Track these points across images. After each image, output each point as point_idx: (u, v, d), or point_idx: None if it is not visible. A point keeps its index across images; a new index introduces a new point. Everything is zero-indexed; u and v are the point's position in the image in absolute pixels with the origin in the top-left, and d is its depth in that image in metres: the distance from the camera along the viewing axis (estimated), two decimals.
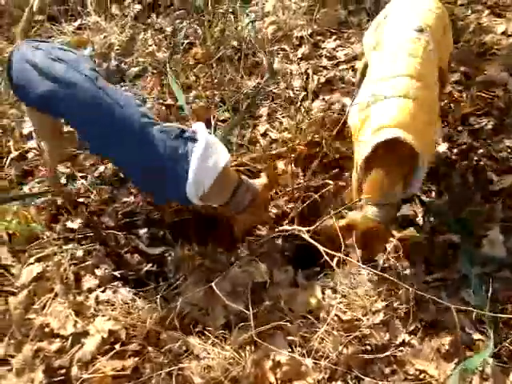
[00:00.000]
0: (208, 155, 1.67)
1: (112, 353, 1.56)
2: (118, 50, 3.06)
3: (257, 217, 1.88)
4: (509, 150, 2.16)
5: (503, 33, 2.79)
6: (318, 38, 3.02)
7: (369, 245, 1.65)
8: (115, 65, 2.94)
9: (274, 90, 2.66)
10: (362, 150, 1.68)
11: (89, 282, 1.79)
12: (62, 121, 1.88)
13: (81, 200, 2.13)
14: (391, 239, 1.65)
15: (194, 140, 1.70)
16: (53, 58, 1.69)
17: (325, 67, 2.79)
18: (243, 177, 1.81)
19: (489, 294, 1.55)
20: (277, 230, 1.88)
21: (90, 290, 1.77)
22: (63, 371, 1.53)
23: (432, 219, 1.98)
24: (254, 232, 1.99)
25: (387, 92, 1.70)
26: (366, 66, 2.03)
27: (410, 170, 1.67)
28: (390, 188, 1.62)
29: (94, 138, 1.76)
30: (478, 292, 1.66)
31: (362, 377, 1.48)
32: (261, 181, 1.84)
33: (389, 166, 1.63)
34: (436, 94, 1.83)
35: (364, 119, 1.75)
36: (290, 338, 1.58)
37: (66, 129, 2.15)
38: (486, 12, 2.96)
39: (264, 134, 2.42)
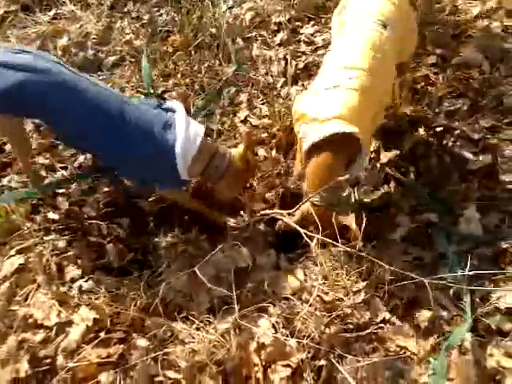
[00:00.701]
0: (189, 124, 1.75)
1: (97, 341, 1.56)
2: (94, 39, 3.03)
3: (235, 186, 1.92)
4: (484, 131, 2.20)
5: (478, 14, 2.82)
6: (296, 23, 3.02)
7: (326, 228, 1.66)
8: (92, 54, 2.91)
9: (254, 76, 2.66)
10: (306, 140, 1.71)
11: (71, 272, 1.79)
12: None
13: (61, 191, 2.11)
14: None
15: (172, 110, 1.77)
16: (15, 51, 1.68)
17: (303, 53, 2.80)
18: (219, 145, 1.87)
19: (466, 271, 1.60)
20: (258, 214, 1.89)
21: (73, 280, 1.76)
22: (48, 361, 1.52)
23: (411, 199, 2.01)
24: (236, 211, 2.00)
25: (339, 83, 1.72)
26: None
27: (350, 157, 1.71)
28: (331, 177, 1.63)
29: (72, 124, 1.74)
30: (456, 269, 1.70)
31: (345, 355, 1.51)
32: (238, 149, 1.86)
33: (330, 155, 1.67)
34: (387, 89, 1.88)
35: (308, 106, 1.76)
36: (273, 319, 1.60)
37: None
38: None
39: (244, 121, 2.43)
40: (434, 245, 1.84)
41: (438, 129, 2.24)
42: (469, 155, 2.11)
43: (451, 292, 1.65)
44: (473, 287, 1.60)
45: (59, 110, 1.71)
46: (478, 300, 1.63)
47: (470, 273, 1.63)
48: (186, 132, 1.73)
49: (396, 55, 1.90)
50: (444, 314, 1.61)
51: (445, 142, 2.19)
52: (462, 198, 1.97)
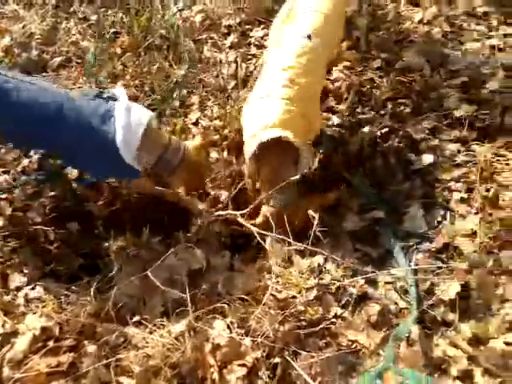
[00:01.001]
0: (131, 111, 1.67)
1: (45, 350, 1.50)
2: (38, 39, 2.93)
3: (189, 181, 1.88)
4: (426, 132, 2.31)
5: (420, 21, 2.96)
6: (247, 26, 3.06)
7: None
8: (36, 54, 2.81)
9: (205, 79, 2.66)
10: (248, 148, 1.86)
11: (17, 280, 1.72)
12: None
13: (3, 196, 2.02)
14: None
15: (113, 99, 1.70)
16: None
17: (254, 55, 2.84)
18: (173, 138, 1.83)
19: (411, 265, 1.67)
20: (211, 215, 1.89)
21: (19, 288, 1.69)
22: None
23: (359, 199, 2.08)
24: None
25: (270, 93, 1.88)
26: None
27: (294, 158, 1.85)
28: (280, 179, 1.76)
29: (11, 128, 1.67)
30: (402, 263, 1.77)
31: (299, 351, 1.54)
32: (193, 142, 1.84)
33: (274, 160, 1.83)
34: (316, 95, 2.07)
35: (247, 121, 1.94)
36: (228, 320, 1.60)
37: None
38: (404, 1, 3.12)
39: (196, 123, 2.42)
40: (381, 242, 1.91)
41: (384, 130, 2.33)
42: (412, 155, 2.21)
43: (398, 286, 1.71)
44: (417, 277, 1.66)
45: None
46: (423, 293, 1.70)
47: (416, 267, 1.72)
48: (126, 122, 1.64)
49: (324, 61, 2.11)
50: (392, 307, 1.67)
51: (390, 142, 2.28)
52: (406, 196, 2.06)
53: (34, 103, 1.64)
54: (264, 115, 1.85)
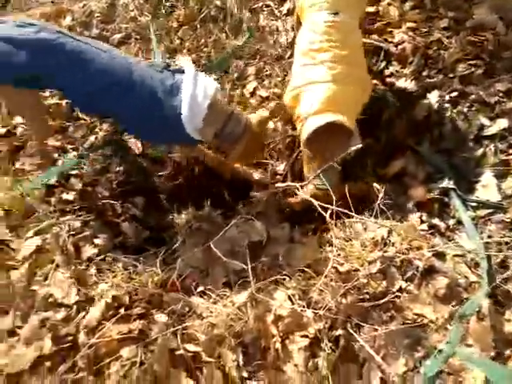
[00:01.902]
0: (197, 84, 1.72)
1: (117, 317, 1.58)
2: (98, 17, 2.99)
3: (249, 153, 1.90)
4: (500, 94, 2.14)
5: None
6: None
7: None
8: (97, 33, 2.88)
9: (261, 48, 2.61)
10: (302, 133, 1.89)
11: (88, 251, 1.81)
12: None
13: (73, 172, 2.12)
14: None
15: (180, 72, 1.75)
16: (20, 24, 1.68)
17: None
18: (236, 109, 1.85)
19: (483, 237, 1.58)
20: (270, 188, 1.88)
21: (90, 259, 1.79)
22: (70, 338, 1.55)
23: (426, 168, 1.98)
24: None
25: (313, 77, 1.91)
26: (299, 23, 2.20)
27: (345, 139, 1.86)
28: (325, 162, 1.79)
29: (83, 91, 1.74)
30: (473, 236, 1.68)
31: (362, 324, 1.52)
32: (256, 116, 1.85)
33: (325, 143, 1.85)
34: (362, 67, 2.03)
35: (295, 98, 1.95)
36: (289, 292, 1.61)
37: (52, 101, 2.14)
38: None
39: (253, 93, 2.40)
40: (450, 212, 1.81)
41: (453, 94, 2.18)
42: (485, 120, 2.06)
43: (469, 258, 1.63)
44: (489, 253, 1.58)
45: (68, 80, 1.72)
46: (496, 267, 1.61)
47: (488, 239, 1.62)
48: (192, 95, 1.69)
49: (357, 28, 2.08)
50: (462, 281, 1.59)
51: (459, 107, 2.14)
52: (478, 164, 1.94)
53: (107, 70, 1.71)
54: (309, 99, 1.87)
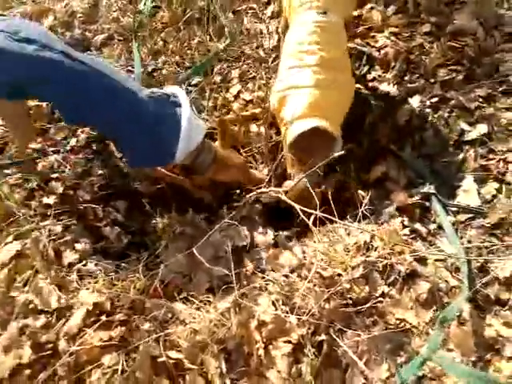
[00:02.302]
0: (194, 117, 1.81)
1: (98, 324, 1.56)
2: (81, 17, 2.95)
3: (226, 174, 1.98)
4: (480, 100, 2.18)
5: None
6: None
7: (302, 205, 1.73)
8: (79, 33, 2.84)
9: (245, 51, 2.61)
10: (286, 137, 1.92)
11: (69, 256, 1.78)
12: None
13: (54, 176, 2.09)
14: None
15: (178, 104, 1.80)
16: (19, 38, 1.59)
17: None
18: (207, 140, 1.90)
19: (463, 242, 1.60)
20: (253, 192, 1.88)
21: (71, 265, 1.76)
22: (50, 346, 1.52)
23: (407, 172, 2.00)
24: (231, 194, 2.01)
25: (297, 82, 1.92)
26: (286, 27, 2.21)
27: (328, 144, 1.88)
28: (311, 163, 1.77)
29: (79, 108, 1.72)
30: (453, 240, 1.70)
31: (345, 329, 1.53)
32: (217, 142, 1.94)
33: (309, 147, 1.87)
34: (347, 71, 2.05)
35: (280, 102, 1.97)
36: (273, 297, 1.61)
37: (33, 103, 2.10)
38: None
39: (237, 96, 2.39)
40: (431, 217, 1.84)
41: (434, 99, 2.21)
42: (465, 125, 2.09)
43: (450, 263, 1.65)
44: (470, 257, 1.60)
45: (65, 100, 1.70)
46: (476, 271, 1.64)
47: (468, 244, 1.64)
48: (188, 131, 1.77)
49: (343, 29, 2.08)
50: (443, 285, 1.61)
51: (440, 112, 2.17)
52: (459, 169, 1.97)
53: (105, 99, 1.71)
54: (294, 104, 1.89)
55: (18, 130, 1.95)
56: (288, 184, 1.89)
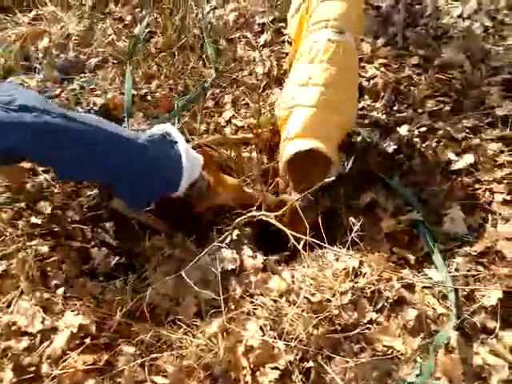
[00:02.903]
0: (190, 150, 1.90)
1: (82, 347, 1.53)
2: (76, 40, 2.98)
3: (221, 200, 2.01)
4: (467, 131, 2.23)
5: (459, 15, 2.86)
6: (280, 24, 3.02)
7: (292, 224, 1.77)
8: (74, 55, 2.87)
9: (238, 78, 2.65)
10: (283, 153, 1.93)
11: (55, 277, 1.76)
12: None
13: (44, 195, 2.08)
14: None
15: (175, 142, 1.88)
16: (13, 108, 1.62)
17: (287, 53, 2.80)
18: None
19: (450, 270, 1.61)
20: (244, 216, 1.88)
21: (57, 286, 1.73)
22: (33, 369, 1.49)
23: (396, 200, 2.02)
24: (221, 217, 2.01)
25: (302, 101, 1.92)
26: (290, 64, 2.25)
27: (324, 166, 1.89)
28: (309, 183, 1.74)
29: (81, 164, 1.77)
30: (440, 268, 1.72)
31: (333, 355, 1.52)
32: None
33: (305, 166, 1.87)
34: (352, 94, 2.04)
35: (285, 119, 1.99)
36: (261, 322, 1.59)
37: None
38: None
39: (229, 122, 2.42)
40: (419, 245, 1.86)
41: (422, 129, 2.26)
42: (452, 155, 2.14)
43: (436, 291, 1.66)
44: (458, 287, 1.61)
45: (67, 159, 1.73)
46: (463, 299, 1.65)
47: (455, 272, 1.66)
48: (188, 166, 1.85)
49: (355, 50, 2.07)
50: (430, 313, 1.62)
51: (428, 142, 2.22)
52: (446, 198, 2.00)
53: (111, 150, 1.78)
54: (295, 121, 1.90)
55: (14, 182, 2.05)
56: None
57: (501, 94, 2.36)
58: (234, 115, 2.46)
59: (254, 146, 2.21)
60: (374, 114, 2.41)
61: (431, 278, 1.70)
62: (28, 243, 1.84)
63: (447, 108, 2.35)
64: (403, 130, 2.27)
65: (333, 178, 1.60)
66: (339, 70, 1.95)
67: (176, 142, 1.88)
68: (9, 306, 1.65)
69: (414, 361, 1.52)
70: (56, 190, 2.09)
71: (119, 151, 1.79)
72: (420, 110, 2.37)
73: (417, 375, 1.43)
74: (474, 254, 1.78)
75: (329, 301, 1.64)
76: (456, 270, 1.70)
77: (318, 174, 1.83)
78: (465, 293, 1.65)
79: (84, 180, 2.08)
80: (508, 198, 1.94)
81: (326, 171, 1.87)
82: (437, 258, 1.76)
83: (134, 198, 1.90)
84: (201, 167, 1.92)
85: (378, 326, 1.61)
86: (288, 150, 1.89)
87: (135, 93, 2.56)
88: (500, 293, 1.60)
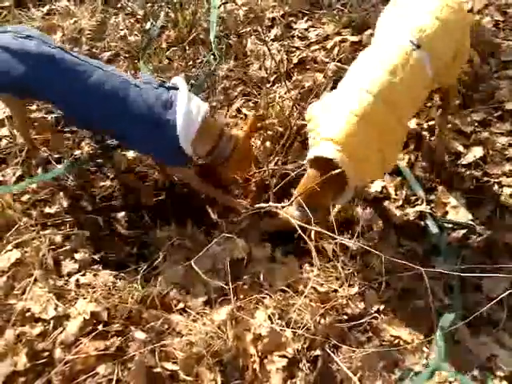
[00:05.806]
0: (191, 101, 1.79)
1: (95, 333, 1.57)
2: (88, 34, 3.01)
3: (240, 167, 1.97)
4: (476, 124, 2.23)
5: (470, 10, 2.83)
6: (290, 19, 3.02)
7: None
8: (86, 49, 2.90)
9: (248, 72, 2.67)
10: (308, 152, 1.69)
11: (68, 266, 1.81)
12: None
13: (57, 183, 2.12)
14: None
15: (175, 88, 1.82)
16: (22, 36, 1.74)
17: (297, 48, 2.81)
18: (224, 126, 1.92)
19: (458, 261, 1.63)
20: (253, 207, 1.90)
21: (70, 274, 1.78)
22: (46, 354, 1.54)
23: (404, 191, 2.03)
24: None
25: (345, 103, 1.62)
26: None
27: (341, 185, 1.63)
28: (318, 201, 1.62)
29: (81, 106, 1.79)
30: (448, 260, 1.73)
31: (340, 345, 1.54)
32: (241, 132, 1.90)
33: (322, 180, 1.56)
34: (403, 123, 1.70)
35: (317, 114, 1.72)
36: (269, 311, 1.62)
37: (40, 115, 2.16)
38: None
39: (238, 114, 2.44)
40: (427, 236, 1.87)
41: (431, 122, 2.26)
42: (460, 148, 2.14)
43: (443, 281, 1.68)
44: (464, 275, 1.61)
45: (62, 94, 1.78)
46: (470, 290, 1.66)
47: (463, 267, 1.66)
48: (187, 107, 1.75)
49: (428, 80, 1.71)
50: (437, 303, 1.63)
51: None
52: (455, 190, 2.00)
53: (104, 84, 1.77)
54: (329, 125, 1.62)
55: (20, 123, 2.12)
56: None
57: (510, 88, 2.34)
58: (242, 107, 2.47)
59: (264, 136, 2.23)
60: None
61: (438, 269, 1.70)
62: (42, 232, 1.88)
63: (457, 102, 2.35)
64: (412, 122, 2.26)
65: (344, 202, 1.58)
66: (401, 89, 1.62)
67: (176, 88, 1.83)
68: (23, 293, 1.69)
69: (421, 351, 1.54)
70: (70, 181, 2.13)
71: (113, 89, 1.78)
72: (429, 104, 2.36)
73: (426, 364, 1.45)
74: (481, 245, 1.79)
75: (336, 291, 1.66)
76: (463, 261, 1.71)
77: (334, 183, 1.59)
78: (472, 284, 1.66)
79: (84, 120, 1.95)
80: None
81: (341, 187, 1.65)
82: (444, 248, 1.77)
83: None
84: (204, 112, 1.79)
85: (385, 316, 1.63)
86: (312, 150, 1.65)
87: None
88: (507, 284, 1.61)
